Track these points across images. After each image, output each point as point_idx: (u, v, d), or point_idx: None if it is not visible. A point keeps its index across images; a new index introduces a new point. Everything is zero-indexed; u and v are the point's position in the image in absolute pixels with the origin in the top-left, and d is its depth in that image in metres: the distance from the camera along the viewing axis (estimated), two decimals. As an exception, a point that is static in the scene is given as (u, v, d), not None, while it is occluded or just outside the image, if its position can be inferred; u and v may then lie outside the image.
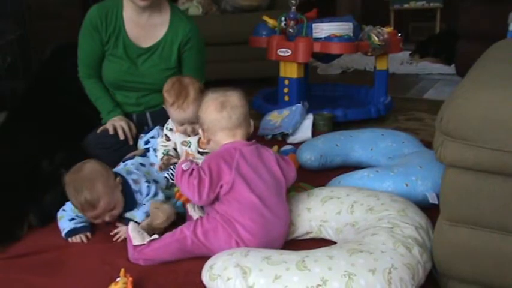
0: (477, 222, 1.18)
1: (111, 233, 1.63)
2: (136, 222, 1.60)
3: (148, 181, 1.72)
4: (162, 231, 1.59)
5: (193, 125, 1.79)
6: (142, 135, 2.04)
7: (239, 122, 1.51)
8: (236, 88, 1.57)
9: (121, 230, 1.63)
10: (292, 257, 1.28)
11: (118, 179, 1.66)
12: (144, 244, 1.47)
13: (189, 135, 1.84)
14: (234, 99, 1.52)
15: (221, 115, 1.50)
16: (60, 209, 1.68)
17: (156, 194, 1.71)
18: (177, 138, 1.87)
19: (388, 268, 1.20)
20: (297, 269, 1.22)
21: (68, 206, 1.67)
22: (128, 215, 1.66)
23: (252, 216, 1.42)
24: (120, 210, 1.64)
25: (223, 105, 1.51)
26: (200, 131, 1.59)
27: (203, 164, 1.48)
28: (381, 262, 1.21)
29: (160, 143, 1.90)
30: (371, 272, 1.19)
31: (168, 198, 1.75)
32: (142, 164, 1.82)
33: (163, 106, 1.84)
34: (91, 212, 1.59)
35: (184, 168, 1.47)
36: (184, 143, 1.86)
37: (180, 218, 1.66)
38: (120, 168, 1.77)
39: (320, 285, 1.17)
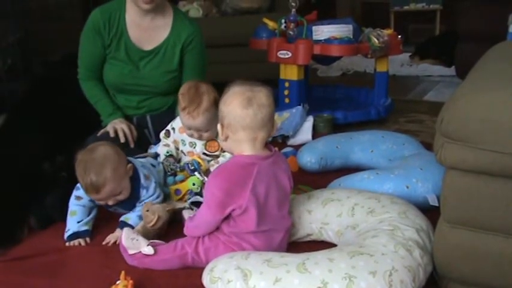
0: (477, 224, 1.18)
1: (103, 243, 1.62)
2: (129, 225, 1.62)
3: (156, 182, 1.72)
4: (158, 232, 1.60)
5: (200, 132, 1.80)
6: (152, 146, 2.05)
7: (263, 123, 1.37)
8: (264, 84, 1.42)
9: (111, 238, 1.63)
10: (292, 259, 1.27)
11: (129, 166, 1.65)
12: (139, 252, 1.46)
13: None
14: (262, 96, 1.37)
15: (246, 112, 1.35)
16: (74, 197, 1.66)
17: (158, 196, 1.71)
18: (181, 136, 1.88)
19: (389, 270, 1.20)
20: (297, 272, 1.22)
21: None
22: (122, 218, 1.66)
23: (257, 234, 1.41)
24: (125, 196, 1.64)
25: (250, 101, 1.35)
26: (219, 126, 1.43)
27: (216, 181, 1.38)
28: (382, 264, 1.21)
29: (162, 139, 1.92)
30: (371, 275, 1.19)
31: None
32: (152, 165, 1.83)
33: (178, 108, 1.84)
34: (94, 195, 1.59)
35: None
36: (190, 144, 1.87)
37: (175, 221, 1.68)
38: (134, 160, 1.77)
39: (320, 288, 1.17)
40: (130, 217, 1.66)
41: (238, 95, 1.38)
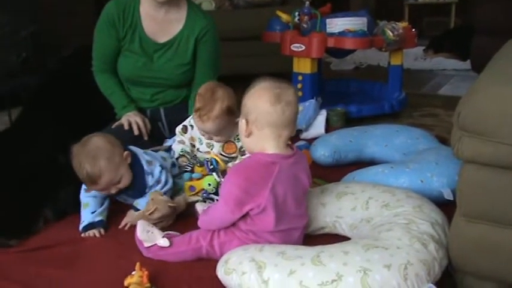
0: (494, 218, 1.17)
1: (119, 227, 1.66)
2: (138, 209, 1.65)
3: (162, 166, 1.73)
4: (158, 223, 1.60)
5: (210, 134, 1.81)
6: (167, 139, 2.06)
7: (288, 122, 1.35)
8: (289, 83, 1.42)
9: (128, 221, 1.65)
10: (307, 252, 1.27)
11: (126, 153, 1.66)
12: (155, 244, 1.47)
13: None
14: (290, 93, 1.36)
15: (274, 108, 1.33)
16: (84, 189, 1.68)
17: (166, 182, 1.72)
18: (198, 134, 1.89)
19: (404, 264, 1.19)
20: (312, 264, 1.22)
21: None
22: (134, 202, 1.69)
23: (274, 233, 1.40)
24: (126, 184, 1.66)
25: (278, 97, 1.33)
26: (243, 121, 1.39)
27: (235, 178, 1.37)
28: (397, 258, 1.21)
29: (177, 134, 1.92)
30: (386, 268, 1.18)
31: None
32: (163, 158, 1.83)
33: None
34: (93, 186, 1.62)
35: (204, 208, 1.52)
36: (207, 144, 1.87)
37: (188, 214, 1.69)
38: (135, 148, 1.77)
39: (335, 281, 1.17)
40: (139, 202, 1.69)
41: (266, 91, 1.36)
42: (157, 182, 1.70)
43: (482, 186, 1.16)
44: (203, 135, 1.85)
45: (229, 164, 1.81)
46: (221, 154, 1.84)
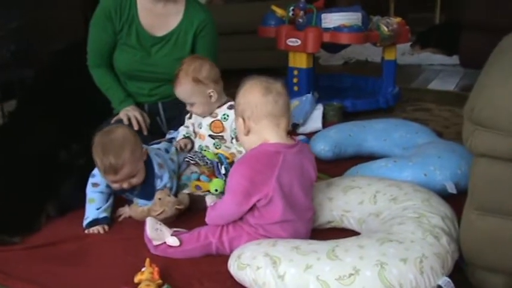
0: (507, 211, 1.18)
1: (116, 215, 1.68)
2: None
3: (170, 171, 1.71)
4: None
5: (185, 102, 1.86)
6: (171, 131, 2.05)
7: (284, 110, 1.39)
8: (276, 78, 1.46)
9: (130, 214, 1.66)
10: (321, 246, 1.27)
11: (144, 150, 1.66)
12: (164, 243, 1.46)
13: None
14: (278, 85, 1.41)
15: (267, 99, 1.37)
16: (91, 184, 1.66)
17: (171, 189, 1.71)
18: (198, 118, 1.90)
19: (419, 257, 1.20)
20: (328, 259, 1.22)
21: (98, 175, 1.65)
22: (134, 200, 1.68)
23: (283, 225, 1.40)
24: (139, 181, 1.63)
25: (268, 89, 1.38)
26: (239, 121, 1.43)
27: (241, 169, 1.38)
28: (412, 251, 1.21)
29: (186, 121, 1.95)
30: (403, 262, 1.19)
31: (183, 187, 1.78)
32: (166, 150, 1.83)
33: None
34: (112, 176, 1.59)
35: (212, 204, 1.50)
36: (198, 125, 1.89)
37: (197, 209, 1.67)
38: (148, 147, 1.76)
39: (352, 274, 1.17)
40: (139, 202, 1.68)
41: (256, 86, 1.40)
42: (164, 185, 1.68)
43: (496, 180, 1.17)
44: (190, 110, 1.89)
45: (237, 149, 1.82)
46: (210, 136, 1.84)
